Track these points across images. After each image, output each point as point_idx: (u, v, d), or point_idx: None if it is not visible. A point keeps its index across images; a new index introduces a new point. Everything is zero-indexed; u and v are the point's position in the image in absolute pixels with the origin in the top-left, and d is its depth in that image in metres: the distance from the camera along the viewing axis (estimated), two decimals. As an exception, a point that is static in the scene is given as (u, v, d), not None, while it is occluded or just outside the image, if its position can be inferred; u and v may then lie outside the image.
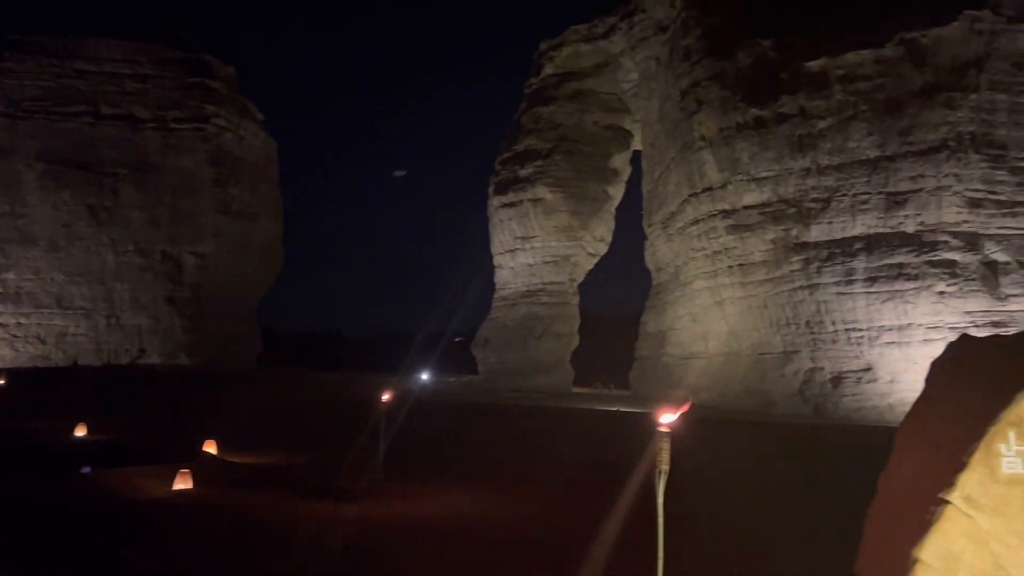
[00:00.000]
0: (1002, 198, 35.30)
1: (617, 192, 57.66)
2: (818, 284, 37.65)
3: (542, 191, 53.27)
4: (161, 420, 24.90)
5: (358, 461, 14.93)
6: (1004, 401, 4.59)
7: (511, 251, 55.95)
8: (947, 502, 4.43)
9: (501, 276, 57.90)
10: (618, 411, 34.31)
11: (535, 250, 54.75)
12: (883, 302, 35.45)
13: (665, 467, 4.59)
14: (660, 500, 4.61)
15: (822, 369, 37.74)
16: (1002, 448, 4.47)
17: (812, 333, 38.35)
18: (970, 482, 4.43)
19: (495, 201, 56.71)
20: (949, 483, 4.47)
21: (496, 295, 58.43)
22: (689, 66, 44.79)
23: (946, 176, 35.13)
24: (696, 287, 46.24)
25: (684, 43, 45.99)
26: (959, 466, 4.49)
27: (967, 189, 35.22)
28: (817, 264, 37.70)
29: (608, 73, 55.89)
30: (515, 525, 9.64)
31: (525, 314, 53.88)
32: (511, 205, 55.15)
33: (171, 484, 12.15)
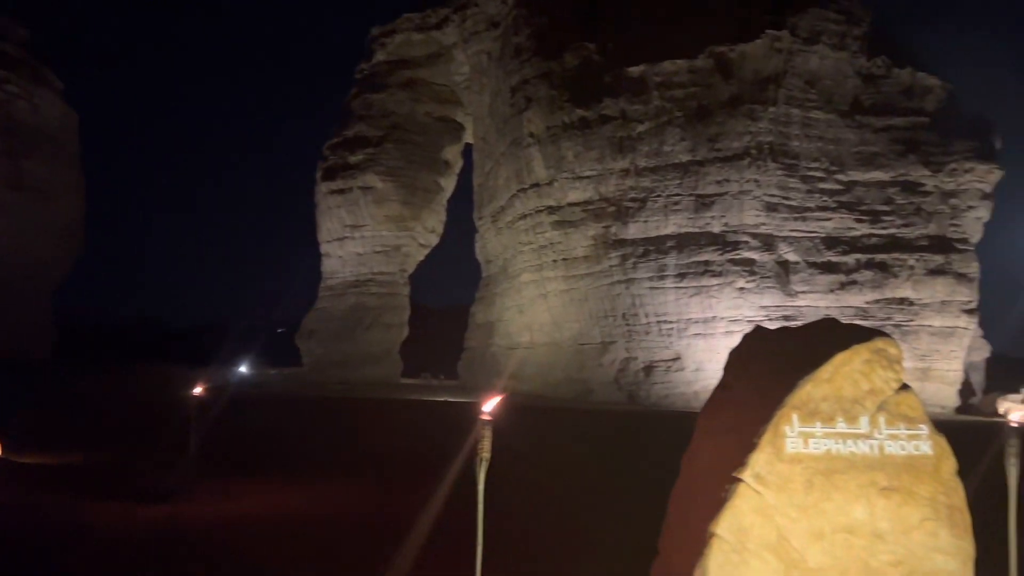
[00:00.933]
0: (794, 203, 39.11)
1: (449, 184, 57.82)
2: (634, 279, 39.87)
3: (373, 179, 52.32)
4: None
5: (166, 459, 13.94)
6: (790, 387, 5.06)
7: (340, 240, 54.50)
8: (739, 480, 4.82)
9: (329, 265, 56.22)
10: (445, 401, 34.51)
11: (365, 239, 53.69)
12: (691, 296, 38.18)
13: (486, 455, 4.64)
14: (481, 488, 4.65)
15: (636, 359, 40.06)
16: (787, 430, 4.93)
17: (627, 325, 40.58)
18: (759, 461, 4.85)
19: (323, 188, 54.98)
20: (741, 463, 4.86)
21: (323, 284, 56.68)
22: (519, 63, 45.75)
23: (747, 182, 38.38)
24: (523, 280, 47.44)
25: (515, 40, 46.89)
26: (750, 447, 4.90)
27: (765, 194, 38.69)
28: (633, 260, 39.90)
29: (441, 64, 55.84)
30: (334, 518, 9.41)
31: (353, 304, 52.73)
32: (340, 192, 53.69)
33: (-62, 492, 10.68)
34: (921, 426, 5.18)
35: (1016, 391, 42.15)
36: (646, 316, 39.89)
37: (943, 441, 5.24)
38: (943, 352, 38.26)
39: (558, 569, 7.40)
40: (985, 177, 39.12)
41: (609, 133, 40.76)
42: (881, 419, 5.09)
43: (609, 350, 41.54)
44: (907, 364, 37.65)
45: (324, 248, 56.05)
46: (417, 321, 59.12)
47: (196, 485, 11.76)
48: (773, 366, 5.40)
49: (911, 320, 38.02)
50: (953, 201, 39.19)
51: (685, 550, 4.93)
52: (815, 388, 5.05)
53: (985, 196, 39.56)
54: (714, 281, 37.99)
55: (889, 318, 38.01)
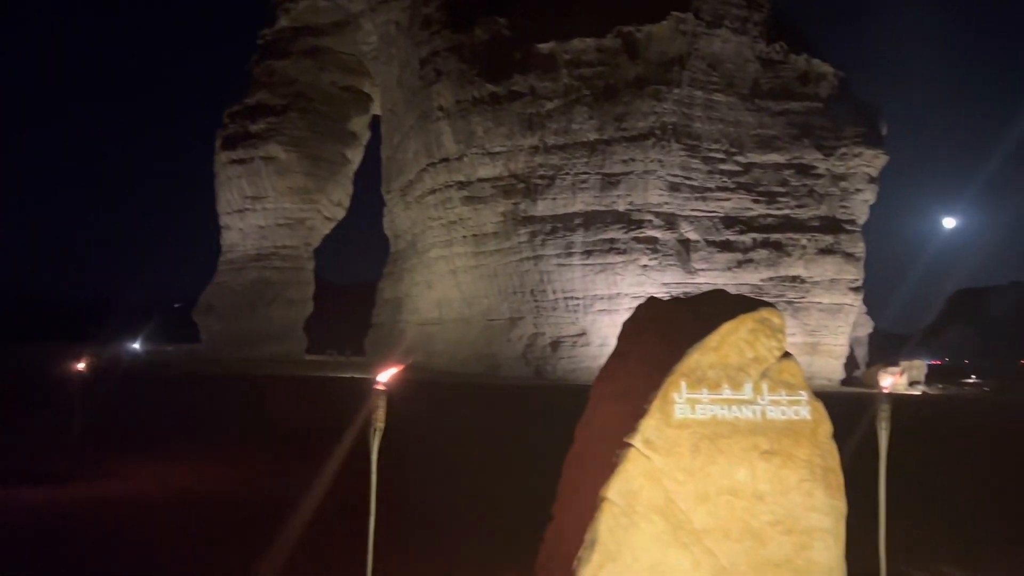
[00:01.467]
0: (695, 184, 40.30)
1: (355, 156, 56.59)
2: (542, 255, 40.27)
3: (275, 149, 50.60)
4: None
5: (46, 440, 13.18)
6: (679, 355, 5.19)
7: (240, 211, 52.57)
8: (630, 445, 4.92)
9: (229, 238, 54.14)
10: (349, 377, 34.03)
11: (267, 211, 51.97)
12: (597, 273, 38.92)
13: (380, 425, 4.57)
14: (374, 458, 4.58)
15: (543, 334, 40.61)
16: (675, 396, 5.06)
17: (536, 301, 41.03)
18: (649, 427, 4.96)
19: (223, 157, 52.78)
20: (632, 429, 4.96)
21: (222, 258, 54.57)
22: (429, 35, 45.06)
23: (652, 161, 39.26)
24: (432, 255, 47.13)
25: (424, 11, 46.11)
26: (641, 413, 5.01)
27: (668, 174, 39.69)
28: (542, 237, 40.27)
29: (347, 33, 54.32)
30: (222, 496, 9.12)
31: (255, 279, 51.07)
32: (241, 162, 51.70)
33: None
34: (801, 392, 5.41)
35: (896, 364, 45.09)
36: (554, 292, 40.41)
37: (821, 406, 5.50)
38: (831, 327, 40.46)
39: (452, 537, 7.44)
40: (872, 162, 41.36)
41: (519, 109, 40.80)
42: (764, 386, 5.29)
43: (517, 326, 41.91)
44: (797, 339, 39.60)
45: (224, 220, 53.94)
46: (322, 297, 57.91)
47: (80, 465, 11.17)
48: (664, 335, 5.52)
49: (802, 297, 39.97)
50: (843, 184, 41.28)
51: (577, 514, 5.01)
52: (703, 356, 5.19)
53: (872, 180, 41.85)
54: (619, 259, 38.82)
55: (782, 295, 39.83)
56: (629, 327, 5.95)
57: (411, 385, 32.12)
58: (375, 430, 4.55)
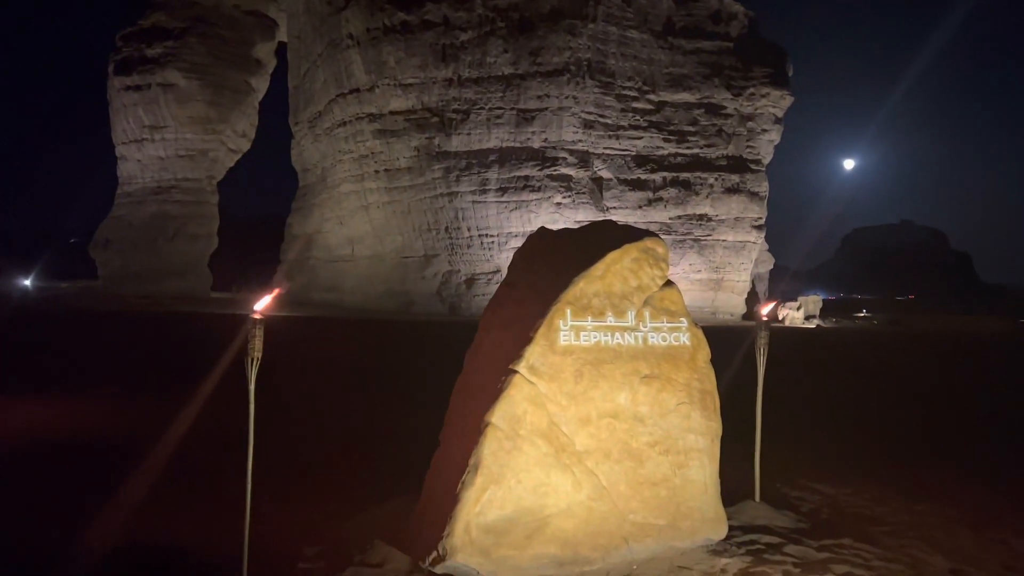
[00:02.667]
0: (608, 121, 40.46)
1: (261, 85, 54.04)
2: (457, 192, 39.88)
3: (174, 76, 47.73)
4: None
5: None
6: (565, 283, 5.27)
7: (137, 141, 49.66)
8: (515, 372, 5.00)
9: (126, 169, 51.17)
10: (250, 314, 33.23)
11: (167, 142, 49.28)
12: (511, 211, 38.90)
13: (257, 353, 4.47)
14: (252, 387, 4.49)
15: (458, 271, 40.54)
16: (560, 324, 5.15)
17: (450, 238, 40.78)
18: (534, 354, 5.04)
19: (116, 83, 49.45)
20: (518, 356, 5.04)
21: (120, 191, 51.65)
22: (338, -43, 42.98)
23: (567, 98, 39.10)
24: (343, 190, 45.97)
25: (333, -69, 43.84)
26: (526, 340, 5.08)
27: (583, 111, 39.67)
28: (456, 173, 39.80)
29: (251, -48, 51.22)
30: (91, 434, 8.82)
31: (155, 213, 48.68)
32: (137, 89, 48.59)
33: None
34: (681, 319, 5.60)
35: (794, 299, 47.33)
36: (468, 230, 40.23)
37: (700, 333, 5.72)
38: (734, 264, 41.94)
39: (341, 472, 7.46)
40: (778, 102, 42.41)
41: (432, 40, 39.70)
42: (646, 313, 5.45)
43: (432, 263, 41.66)
44: (702, 275, 40.83)
45: (120, 150, 50.88)
46: (228, 232, 55.89)
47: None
48: (552, 264, 5.58)
49: (708, 235, 41.16)
50: (750, 124, 42.25)
51: (463, 440, 5.08)
52: (588, 284, 5.28)
53: (777, 120, 42.98)
54: (533, 196, 38.86)
55: (689, 233, 40.91)
56: (519, 257, 5.98)
57: (316, 323, 31.65)
58: (252, 359, 4.45)
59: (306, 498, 6.56)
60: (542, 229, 6.08)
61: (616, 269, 5.38)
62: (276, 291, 5.22)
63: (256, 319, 4.43)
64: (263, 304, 4.49)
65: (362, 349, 20.86)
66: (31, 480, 7.09)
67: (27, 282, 51.21)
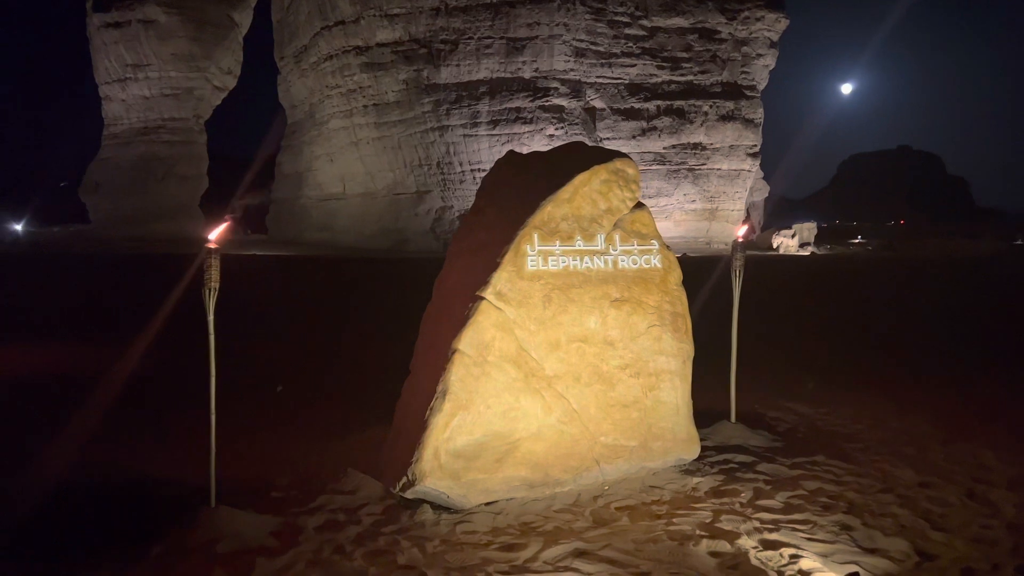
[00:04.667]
0: (601, 49, 39.55)
1: (244, 19, 52.59)
2: (447, 126, 39.26)
3: (154, 11, 46.37)
4: None
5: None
6: (532, 208, 5.16)
7: (121, 81, 48.61)
8: (482, 298, 4.94)
9: (111, 110, 50.22)
10: (251, 255, 33.15)
11: (151, 81, 48.24)
12: (503, 144, 38.36)
13: (215, 284, 4.40)
14: (211, 318, 4.43)
15: (451, 208, 40.24)
16: (527, 249, 5.06)
17: (442, 174, 40.34)
18: (501, 279, 4.97)
19: (96, 20, 48.08)
20: (485, 282, 4.97)
21: (106, 132, 50.83)
22: None
23: (558, 25, 38.12)
24: (332, 127, 45.26)
25: None
26: (493, 266, 5.00)
27: (574, 39, 38.73)
28: (447, 106, 39.11)
29: None
30: (66, 377, 8.83)
31: (143, 154, 47.99)
32: (116, 26, 47.27)
33: None
34: (653, 241, 5.51)
35: (788, 227, 47.16)
36: (460, 164, 39.76)
37: (671, 255, 5.64)
38: (729, 193, 41.63)
39: (315, 405, 7.49)
40: (773, 26, 41.38)
41: (417, -34, 38.51)
42: (616, 236, 5.35)
43: (424, 200, 41.33)
44: (696, 205, 40.64)
45: (103, 90, 49.83)
46: (219, 173, 55.21)
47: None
48: (520, 188, 5.45)
49: (703, 164, 40.73)
50: (745, 49, 41.31)
51: (431, 368, 5.06)
52: (556, 208, 5.17)
53: (772, 44, 42.02)
54: (525, 128, 38.28)
55: (684, 162, 40.47)
56: (488, 182, 5.85)
57: (304, 263, 31.56)
58: (209, 290, 4.38)
59: (280, 431, 6.59)
60: (510, 153, 5.94)
61: (585, 192, 5.26)
62: (227, 221, 5.11)
63: (211, 248, 4.34)
64: (216, 233, 4.40)
65: (348, 287, 20.83)
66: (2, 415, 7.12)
67: (18, 227, 50.85)
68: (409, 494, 4.78)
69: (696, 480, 5.28)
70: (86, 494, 4.99)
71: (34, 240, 44.70)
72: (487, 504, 4.84)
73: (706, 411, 6.34)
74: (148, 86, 48.18)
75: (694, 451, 5.65)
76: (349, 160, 45.25)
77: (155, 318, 12.24)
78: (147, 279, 22.24)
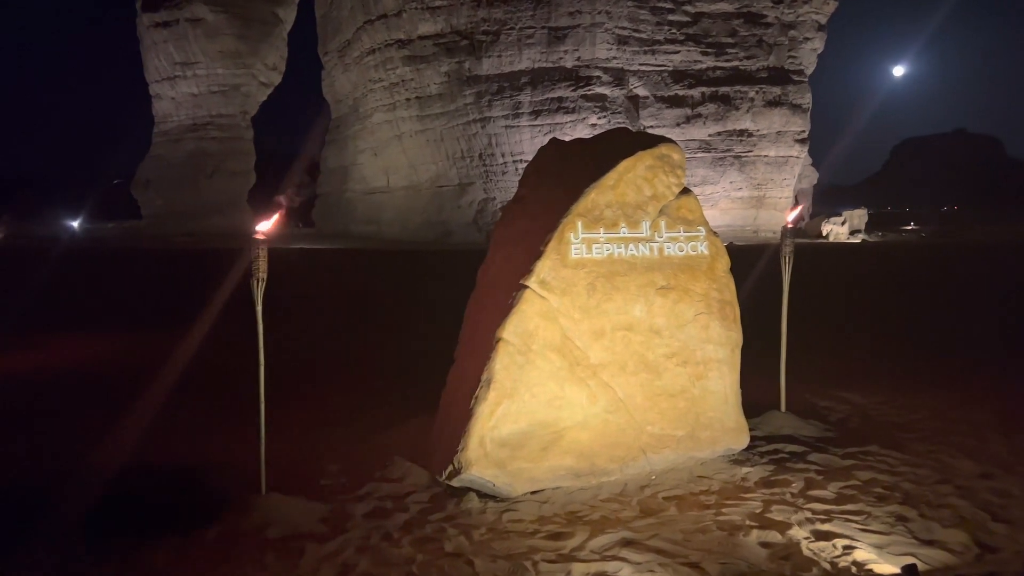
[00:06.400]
0: (644, 36, 39.03)
1: (288, 16, 53.26)
2: (489, 118, 39.23)
3: (201, 10, 47.26)
4: None
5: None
6: (576, 195, 5.11)
7: (170, 79, 49.68)
8: (525, 287, 4.92)
9: (161, 108, 51.38)
10: (299, 248, 33.67)
11: (199, 78, 49.19)
12: (545, 134, 38.15)
13: (263, 275, 4.46)
14: (259, 308, 4.50)
15: (494, 199, 40.24)
16: (571, 237, 5.02)
17: (485, 165, 40.36)
18: (544, 268, 4.94)
19: (145, 20, 49.21)
20: (528, 270, 4.95)
21: (156, 130, 52.04)
22: None
23: (599, 13, 37.73)
24: (376, 120, 45.59)
25: None
26: (537, 255, 4.97)
27: (616, 27, 38.29)
28: (488, 98, 39.07)
29: None
30: (131, 367, 9.07)
31: (192, 150, 49.04)
32: (165, 25, 48.29)
33: None
34: (699, 228, 5.42)
35: (838, 214, 46.08)
36: (502, 156, 39.72)
37: (718, 241, 5.53)
38: (776, 180, 40.80)
39: (362, 389, 7.56)
40: (821, 8, 40.34)
41: (457, -41, 38.48)
42: (662, 223, 5.27)
43: (467, 192, 41.40)
44: (743, 193, 39.91)
45: (153, 89, 51.01)
46: (266, 168, 56.11)
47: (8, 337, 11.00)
48: (563, 176, 5.41)
49: (749, 151, 39.97)
50: (792, 33, 40.37)
51: (476, 356, 5.06)
52: (600, 195, 5.12)
53: (821, 28, 40.97)
54: (567, 118, 38.02)
55: (730, 150, 39.78)
56: (530, 170, 5.82)
57: (352, 255, 31.92)
58: (257, 280, 4.44)
59: (328, 420, 6.67)
60: (553, 140, 5.90)
61: (629, 178, 5.20)
62: (280, 211, 5.19)
63: (259, 240, 4.41)
64: (267, 225, 4.46)
65: (394, 280, 21.00)
66: (60, 405, 7.35)
67: (75, 224, 52.48)
68: (455, 482, 4.80)
69: (745, 470, 5.19)
70: (144, 481, 5.13)
71: (90, 236, 46.09)
72: (533, 493, 4.83)
73: (755, 401, 6.23)
74: (196, 83, 49.16)
75: (743, 441, 5.56)
76: (393, 153, 45.56)
77: (207, 310, 12.51)
78: (198, 273, 22.75)
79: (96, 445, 5.90)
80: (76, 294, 17.91)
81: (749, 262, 12.63)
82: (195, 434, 6.24)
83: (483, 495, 4.77)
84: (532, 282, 4.94)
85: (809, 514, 4.41)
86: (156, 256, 29.68)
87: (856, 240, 42.76)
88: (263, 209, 54.36)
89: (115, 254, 31.21)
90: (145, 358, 9.53)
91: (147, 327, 12.34)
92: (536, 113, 38.66)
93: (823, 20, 40.77)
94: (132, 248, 34.58)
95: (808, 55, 41.00)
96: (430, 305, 14.66)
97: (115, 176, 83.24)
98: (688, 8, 39.47)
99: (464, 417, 4.84)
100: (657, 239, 5.26)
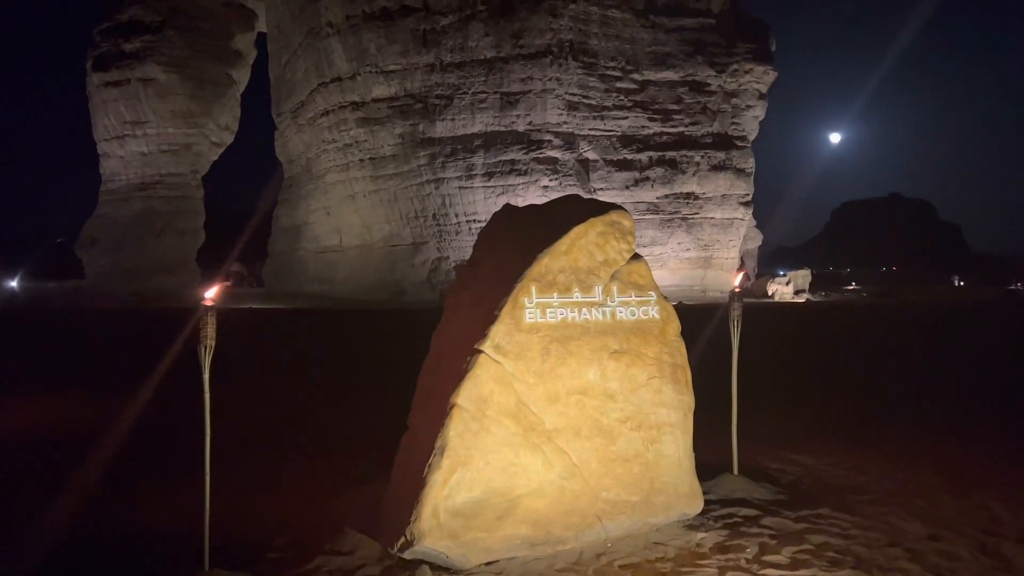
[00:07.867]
0: (593, 102, 40.23)
1: (242, 77, 53.55)
2: (443, 179, 39.67)
3: (154, 70, 47.21)
4: None
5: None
6: (530, 260, 5.16)
7: (119, 138, 49.20)
8: (480, 351, 4.90)
9: (108, 166, 50.70)
10: (248, 308, 33.08)
11: (149, 137, 48.82)
12: (498, 195, 38.73)
13: (211, 341, 4.37)
14: (206, 376, 4.39)
15: (447, 258, 40.40)
16: (526, 301, 5.04)
17: (438, 225, 40.61)
18: (499, 332, 4.94)
19: (95, 79, 48.92)
20: (483, 335, 4.94)
21: (103, 188, 51.20)
22: (314, -55, 42.50)
23: (550, 80, 38.85)
24: (329, 180, 45.70)
25: (309, -82, 43.33)
26: (491, 319, 4.97)
27: (567, 93, 39.43)
28: (442, 159, 39.58)
29: (226, -59, 50.53)
30: (64, 426, 8.73)
31: (141, 209, 48.29)
32: (116, 84, 48.05)
33: None
34: (650, 293, 5.50)
35: (783, 275, 47.38)
36: (456, 216, 40.07)
37: (669, 306, 5.62)
38: (722, 242, 41.90)
39: (313, 455, 7.38)
40: (762, 78, 42.24)
41: (412, 25, 39.37)
42: (614, 288, 5.35)
43: (420, 251, 41.51)
44: (691, 254, 40.90)
45: (102, 147, 50.39)
46: (215, 227, 55.44)
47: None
48: (517, 241, 5.46)
49: (696, 213, 41.08)
50: (735, 101, 42.08)
51: (430, 422, 4.99)
52: (553, 260, 5.18)
53: (761, 96, 42.82)
54: (520, 180, 38.70)
55: (677, 212, 40.82)
56: (484, 236, 5.86)
57: (302, 316, 31.48)
58: (205, 347, 4.34)
59: (277, 487, 6.47)
60: (507, 206, 5.97)
61: (581, 244, 5.27)
62: (224, 282, 5.14)
63: (207, 306, 4.32)
64: (213, 292, 4.38)
65: (347, 340, 20.75)
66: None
67: (13, 283, 50.83)
68: (408, 555, 4.67)
69: (700, 536, 5.17)
70: (82, 551, 4.87)
71: (30, 296, 44.62)
72: (487, 564, 4.72)
73: (708, 463, 6.25)
74: (146, 143, 48.73)
75: (697, 505, 5.55)
76: (346, 213, 45.56)
77: (152, 373, 12.14)
78: (144, 333, 22.15)
79: (35, 514, 5.60)
80: (16, 356, 17.23)
81: (699, 323, 12.83)
82: (137, 503, 5.97)
83: (436, 567, 4.64)
84: (487, 346, 4.92)
85: (765, 580, 4.39)
86: (101, 316, 28.82)
87: (801, 300, 43.91)
88: (212, 269, 53.57)
89: (57, 314, 30.22)
90: (88, 422, 9.16)
91: (91, 390, 11.88)
92: (489, 175, 39.25)
93: (764, 89, 42.65)
94: (76, 308, 33.55)
95: (750, 122, 42.72)
96: (383, 366, 14.48)
97: (57, 235, 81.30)
98: (635, 76, 40.92)
99: (417, 486, 4.73)
100: (609, 303, 5.32)
